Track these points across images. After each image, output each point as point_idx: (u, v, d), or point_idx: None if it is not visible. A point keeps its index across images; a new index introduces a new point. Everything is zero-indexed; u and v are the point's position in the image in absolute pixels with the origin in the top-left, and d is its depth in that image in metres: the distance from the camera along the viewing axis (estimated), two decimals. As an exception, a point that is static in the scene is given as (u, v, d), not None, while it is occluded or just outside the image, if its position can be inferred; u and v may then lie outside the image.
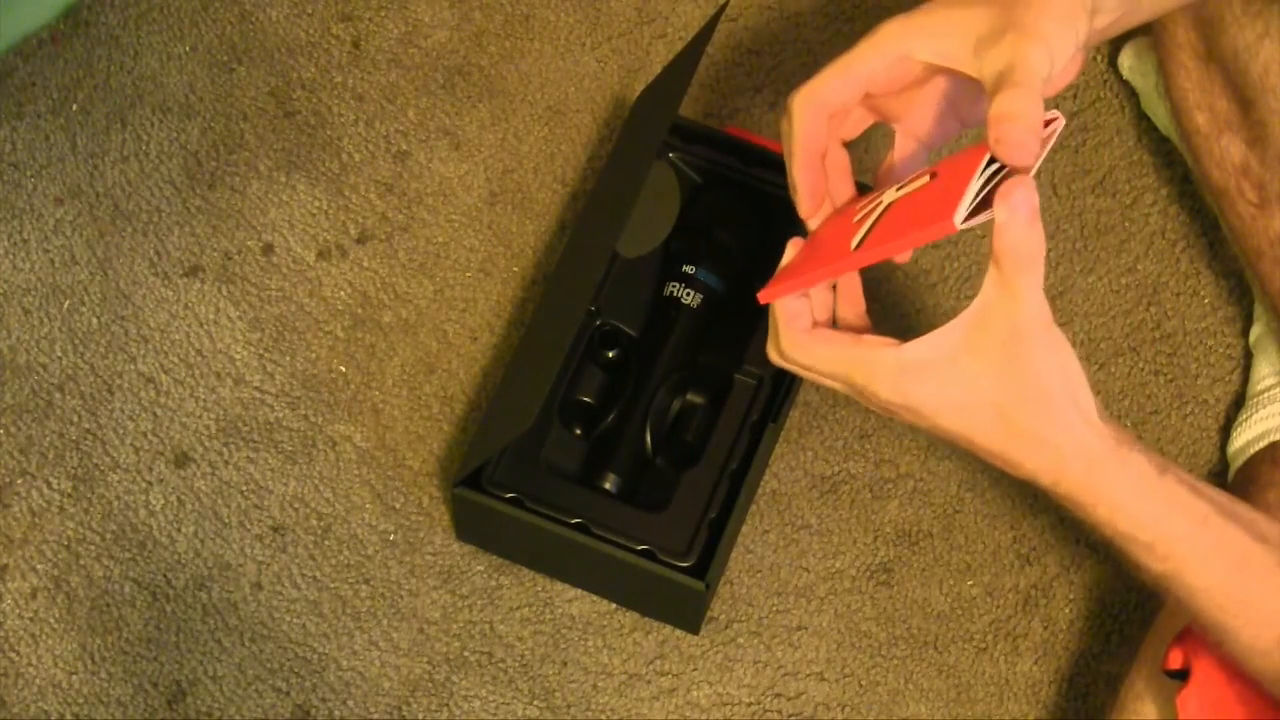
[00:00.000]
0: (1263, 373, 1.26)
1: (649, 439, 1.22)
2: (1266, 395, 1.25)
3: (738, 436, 1.21)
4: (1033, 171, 0.86)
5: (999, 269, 0.85)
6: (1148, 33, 1.31)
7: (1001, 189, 0.85)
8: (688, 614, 1.21)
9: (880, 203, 0.92)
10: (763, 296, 0.95)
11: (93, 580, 1.23)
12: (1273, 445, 1.21)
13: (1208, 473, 1.28)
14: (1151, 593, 0.94)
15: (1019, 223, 0.84)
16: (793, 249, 0.96)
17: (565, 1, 1.40)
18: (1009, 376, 0.87)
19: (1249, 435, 1.24)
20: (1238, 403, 1.29)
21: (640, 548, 1.16)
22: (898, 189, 0.92)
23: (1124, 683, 1.13)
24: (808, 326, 0.94)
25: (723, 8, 1.25)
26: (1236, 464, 1.24)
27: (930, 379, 0.88)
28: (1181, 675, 1.04)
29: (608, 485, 1.20)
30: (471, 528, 1.24)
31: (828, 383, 0.94)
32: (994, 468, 0.90)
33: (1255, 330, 1.29)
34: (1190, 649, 1.05)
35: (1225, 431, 1.29)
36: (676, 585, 1.17)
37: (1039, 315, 0.86)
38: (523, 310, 1.31)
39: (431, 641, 1.23)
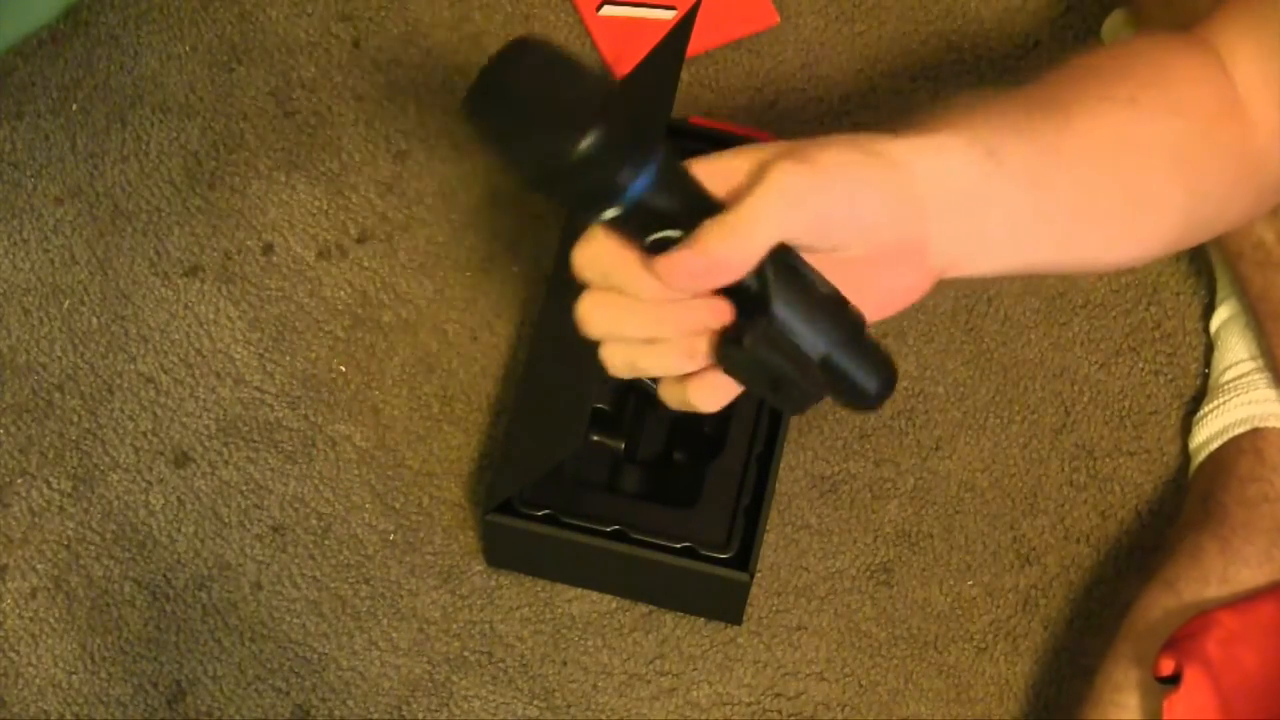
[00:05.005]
0: (1229, 360, 1.25)
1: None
2: (1244, 380, 1.23)
3: (757, 421, 1.20)
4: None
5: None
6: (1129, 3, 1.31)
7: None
8: (731, 606, 1.21)
9: None
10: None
11: (93, 580, 1.23)
12: (1254, 432, 1.19)
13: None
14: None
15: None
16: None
17: (565, 1, 1.40)
18: None
19: (1221, 423, 1.22)
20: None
21: (680, 545, 1.16)
22: None
23: (1099, 674, 1.13)
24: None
25: (695, 7, 1.24)
26: (1200, 457, 1.22)
27: None
28: (1173, 681, 1.04)
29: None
30: (504, 553, 1.23)
31: None
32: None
33: (1219, 316, 1.28)
34: (1181, 655, 1.05)
35: None
36: (720, 580, 1.16)
37: None
38: (523, 310, 1.31)
39: (431, 641, 1.23)
